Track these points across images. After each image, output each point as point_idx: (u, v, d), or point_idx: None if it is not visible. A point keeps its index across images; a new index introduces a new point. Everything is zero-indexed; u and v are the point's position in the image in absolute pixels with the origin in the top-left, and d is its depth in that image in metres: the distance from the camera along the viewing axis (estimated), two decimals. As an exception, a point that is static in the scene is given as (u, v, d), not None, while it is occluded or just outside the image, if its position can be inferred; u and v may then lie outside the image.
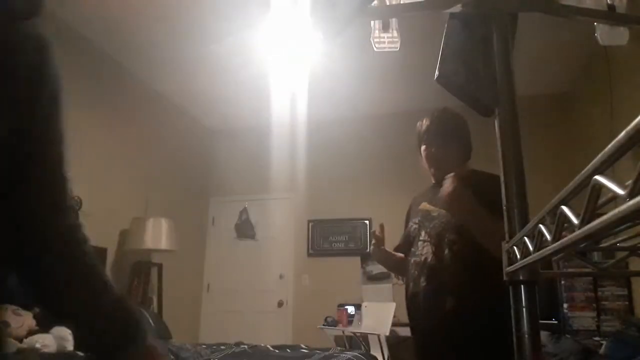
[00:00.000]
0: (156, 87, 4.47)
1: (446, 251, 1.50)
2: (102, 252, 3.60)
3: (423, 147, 1.67)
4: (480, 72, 0.89)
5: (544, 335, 2.82)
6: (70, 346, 2.42)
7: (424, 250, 1.57)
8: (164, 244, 3.79)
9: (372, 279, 4.65)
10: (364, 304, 4.09)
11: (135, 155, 4.17)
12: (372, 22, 1.07)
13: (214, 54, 3.78)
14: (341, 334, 4.18)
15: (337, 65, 3.93)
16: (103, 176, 3.72)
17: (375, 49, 1.09)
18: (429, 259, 1.52)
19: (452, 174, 1.49)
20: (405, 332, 2.60)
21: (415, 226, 1.69)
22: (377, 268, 4.52)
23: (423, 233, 1.62)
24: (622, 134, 0.27)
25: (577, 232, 0.33)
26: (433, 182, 1.70)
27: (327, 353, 2.77)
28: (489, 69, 0.80)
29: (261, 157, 5.01)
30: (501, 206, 1.36)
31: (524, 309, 0.62)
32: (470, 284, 1.42)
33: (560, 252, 0.39)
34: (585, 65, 3.86)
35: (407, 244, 1.72)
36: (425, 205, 1.60)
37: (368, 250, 4.65)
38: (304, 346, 3.13)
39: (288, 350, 2.92)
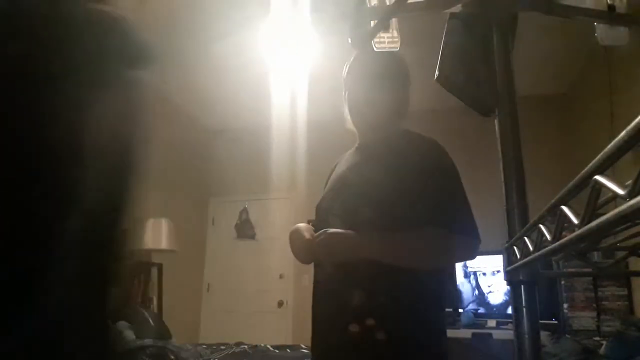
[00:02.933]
0: (156, 86, 4.47)
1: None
2: (102, 252, 3.60)
3: (346, 93, 1.35)
4: (480, 71, 0.89)
5: (544, 335, 2.82)
6: (70, 346, 2.42)
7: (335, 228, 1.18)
8: (164, 244, 3.79)
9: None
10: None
11: (135, 155, 4.16)
12: (372, 22, 1.07)
13: (214, 54, 3.78)
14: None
15: (337, 65, 3.92)
16: (103, 176, 3.72)
17: (375, 49, 1.10)
18: None
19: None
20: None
21: (329, 196, 1.28)
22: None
23: (336, 206, 1.23)
24: (622, 134, 0.27)
25: (577, 232, 0.33)
26: (358, 141, 1.36)
27: (327, 353, 2.77)
28: (489, 69, 0.80)
29: (261, 157, 5.00)
30: (432, 175, 1.14)
31: (524, 309, 0.62)
32: (386, 274, 1.08)
33: (560, 252, 0.39)
34: (585, 65, 3.86)
35: (320, 220, 1.27)
36: (344, 171, 1.28)
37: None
38: (304, 346, 3.13)
39: (288, 350, 2.92)
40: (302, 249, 1.22)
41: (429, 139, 1.23)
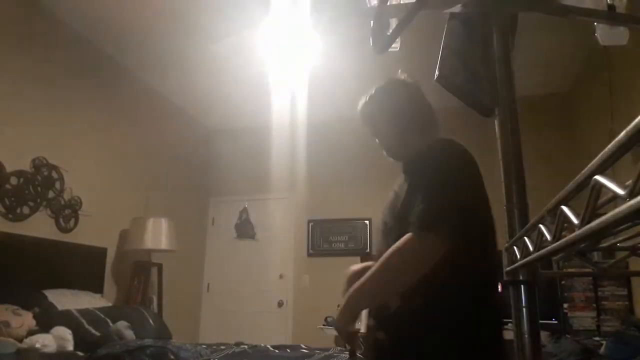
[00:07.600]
0: (156, 86, 4.47)
1: (390, 240, 1.15)
2: (102, 252, 3.60)
3: None
4: (480, 72, 0.89)
5: (544, 335, 2.81)
6: (70, 346, 2.42)
7: (379, 237, 1.31)
8: (164, 244, 3.79)
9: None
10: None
11: (135, 155, 4.16)
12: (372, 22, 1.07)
13: (214, 53, 3.78)
14: (341, 334, 4.16)
15: (337, 65, 3.92)
16: (103, 176, 3.72)
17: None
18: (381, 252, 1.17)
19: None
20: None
21: (382, 216, 1.36)
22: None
23: (382, 222, 1.32)
24: (622, 134, 0.27)
25: (577, 232, 0.33)
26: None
27: (327, 353, 2.77)
28: (489, 69, 0.80)
29: (261, 157, 5.01)
30: (424, 175, 1.16)
31: (524, 309, 0.62)
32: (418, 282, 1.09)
33: (560, 252, 0.39)
34: (585, 65, 3.86)
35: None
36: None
37: (368, 250, 4.65)
38: (304, 346, 3.13)
39: (288, 350, 2.92)
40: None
41: (437, 144, 1.25)
